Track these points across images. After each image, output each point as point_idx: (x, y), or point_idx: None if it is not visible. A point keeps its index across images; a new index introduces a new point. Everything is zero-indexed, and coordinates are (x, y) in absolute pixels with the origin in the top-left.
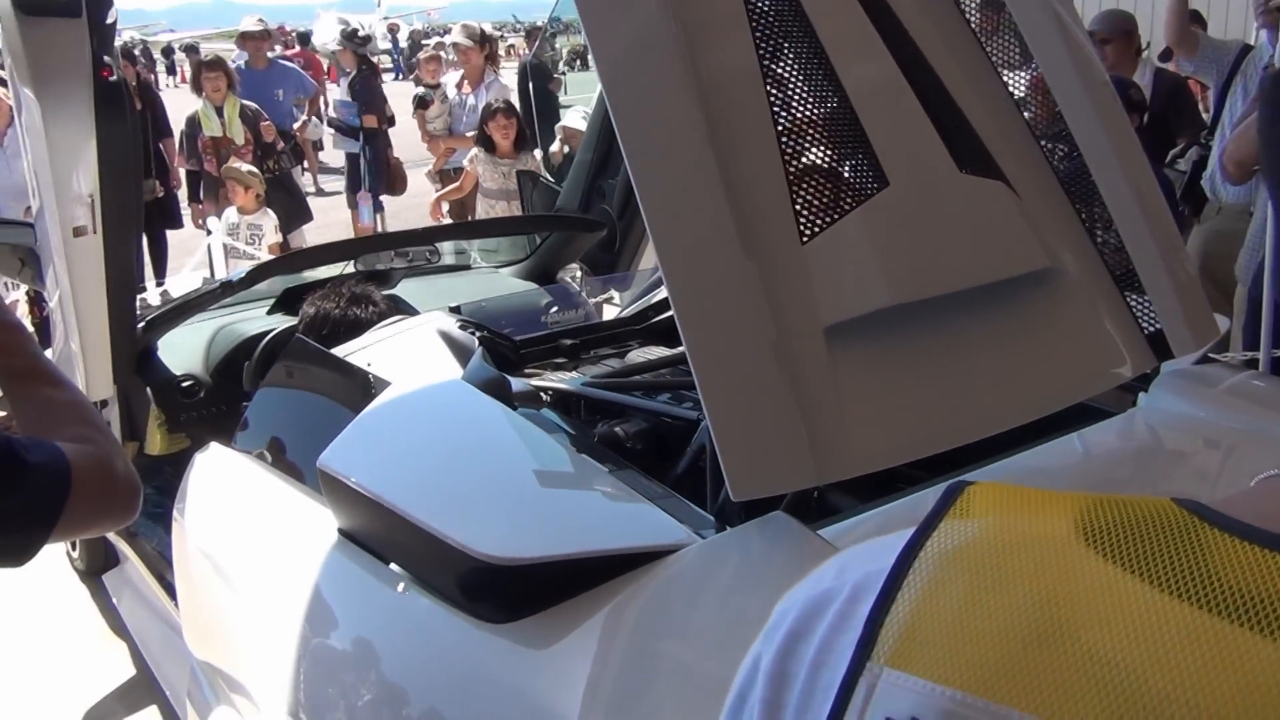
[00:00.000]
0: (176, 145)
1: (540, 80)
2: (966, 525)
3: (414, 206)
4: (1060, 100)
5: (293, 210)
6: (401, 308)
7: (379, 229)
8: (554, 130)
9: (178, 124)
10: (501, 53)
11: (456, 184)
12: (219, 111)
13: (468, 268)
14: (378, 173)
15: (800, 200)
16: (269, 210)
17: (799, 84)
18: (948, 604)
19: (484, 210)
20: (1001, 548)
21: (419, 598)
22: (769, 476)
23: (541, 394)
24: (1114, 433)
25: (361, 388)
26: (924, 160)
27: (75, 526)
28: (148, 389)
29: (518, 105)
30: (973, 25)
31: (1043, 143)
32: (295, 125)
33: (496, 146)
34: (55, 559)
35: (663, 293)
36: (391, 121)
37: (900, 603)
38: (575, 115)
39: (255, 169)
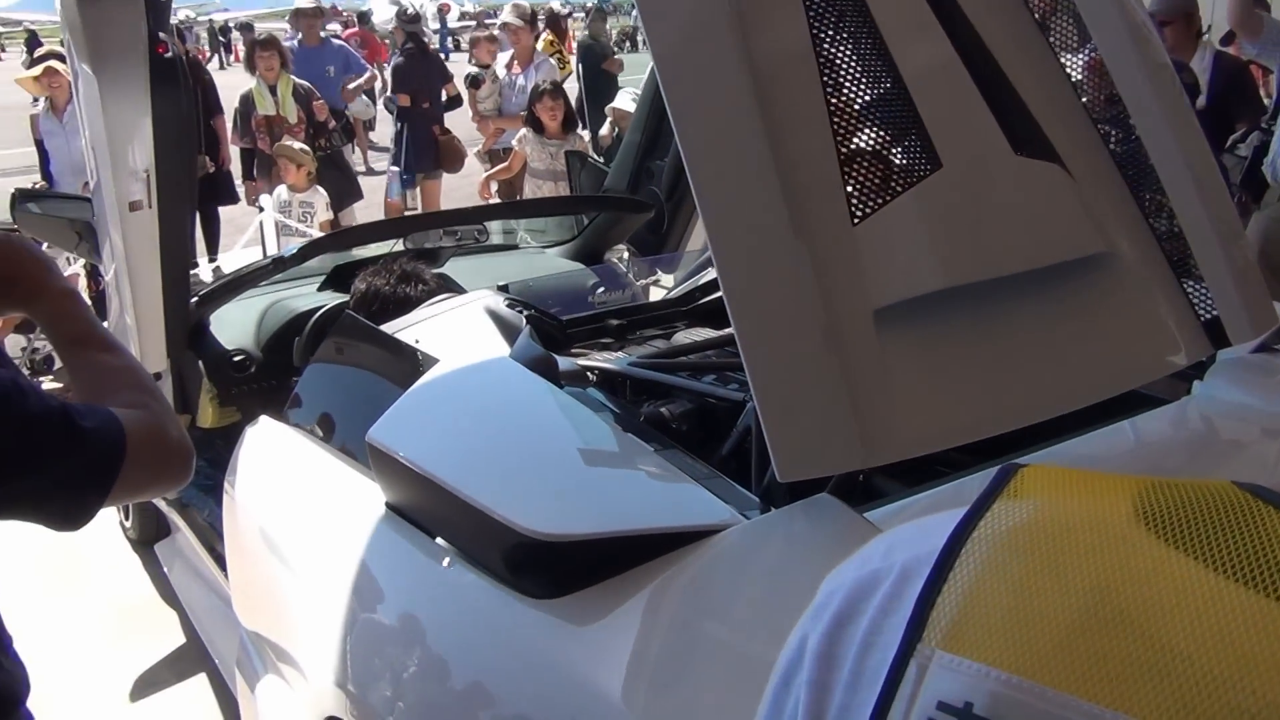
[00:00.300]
0: (230, 124)
1: (592, 60)
2: (1020, 507)
3: (463, 186)
4: (1119, 83)
5: (344, 188)
6: (450, 286)
7: (408, 206)
8: (604, 112)
9: (230, 103)
10: (572, 33)
11: (505, 164)
12: (272, 90)
13: (515, 247)
14: (417, 150)
15: (852, 181)
16: (320, 188)
17: (853, 65)
18: (1002, 586)
19: (531, 190)
20: (1058, 530)
21: (465, 572)
22: (816, 458)
23: (588, 373)
24: (1167, 421)
25: (410, 364)
26: (978, 141)
27: (129, 491)
28: (200, 363)
29: (581, 85)
30: (1031, 6)
31: (1100, 126)
32: (351, 89)
33: (544, 127)
34: (109, 528)
35: (710, 274)
36: (455, 102)
37: (952, 584)
38: (625, 97)
39: (307, 147)
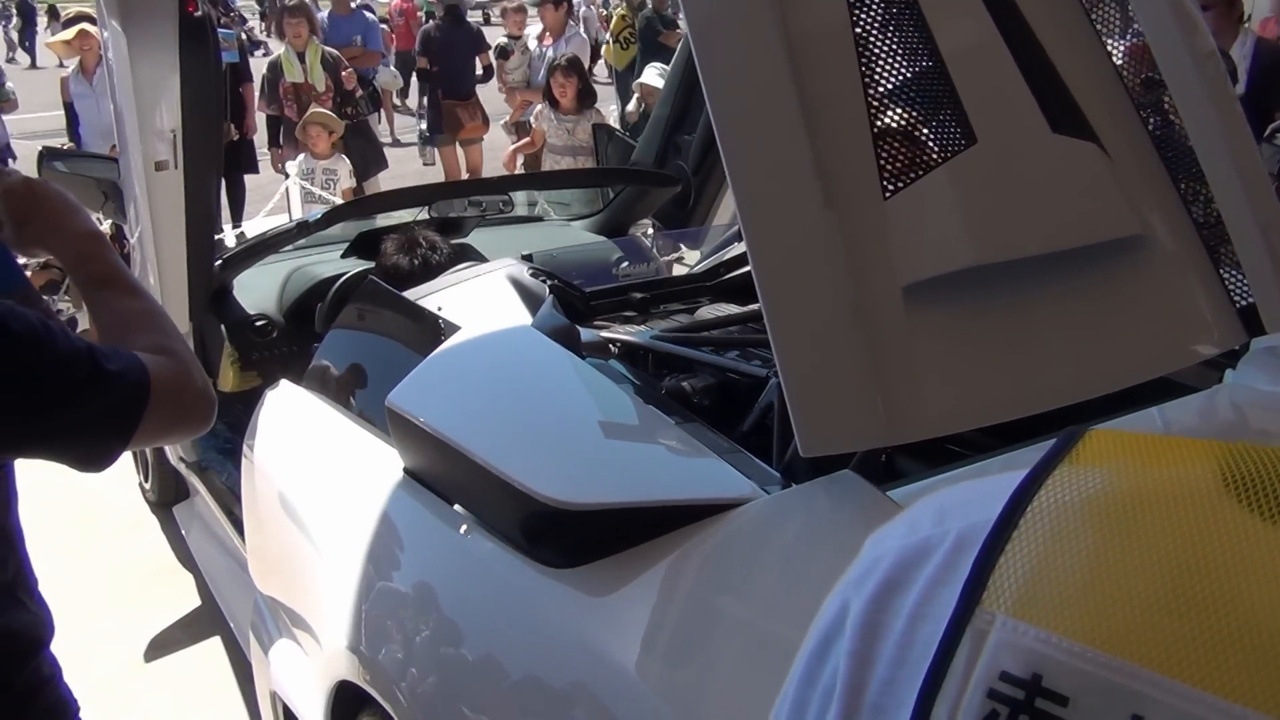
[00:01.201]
0: (256, 90)
1: (651, 35)
2: (1090, 473)
3: (488, 160)
4: (1162, 65)
5: (369, 157)
6: (471, 256)
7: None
8: (631, 88)
9: (258, 70)
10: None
11: (528, 139)
12: (300, 57)
13: (540, 220)
14: (434, 116)
15: (884, 155)
16: (344, 156)
17: (890, 38)
18: (1075, 556)
19: (550, 166)
20: (1136, 499)
21: (482, 540)
22: (840, 434)
23: (610, 345)
24: (1197, 409)
25: (431, 331)
26: (1015, 118)
27: (151, 435)
28: (222, 326)
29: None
30: None
31: (1141, 110)
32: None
33: (559, 103)
34: (128, 490)
35: (735, 250)
36: (488, 73)
37: (1016, 550)
38: (652, 73)
39: (336, 115)
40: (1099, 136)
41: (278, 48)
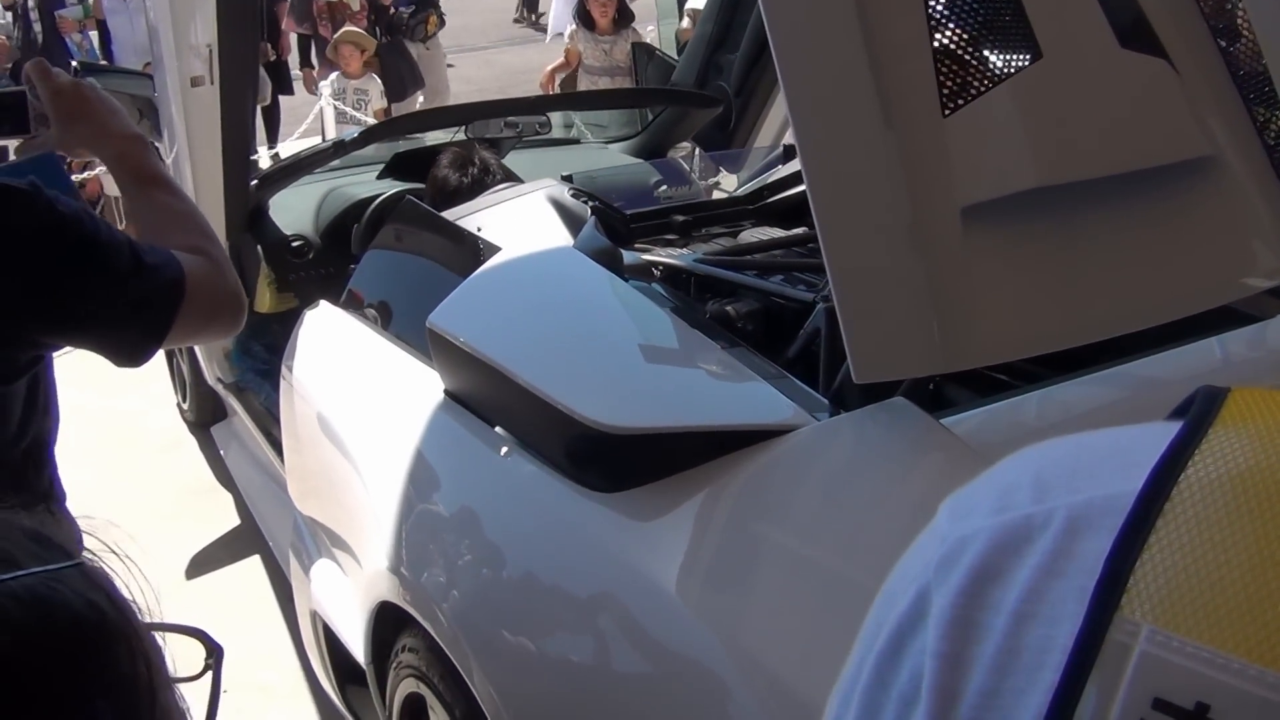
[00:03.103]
0: (288, 7)
1: None
2: (1242, 444)
3: (521, 81)
4: None
5: (406, 76)
6: (511, 177)
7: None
8: (684, 11)
9: None
10: None
11: (563, 60)
12: None
13: (577, 142)
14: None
15: (945, 70)
16: (375, 75)
17: None
18: (1238, 551)
19: (586, 86)
20: None
21: (523, 462)
22: (895, 360)
23: (652, 268)
24: (1260, 339)
25: (471, 252)
26: (1083, 32)
27: (185, 333)
28: (259, 247)
29: None
30: None
31: (1213, 26)
32: None
33: (595, 23)
34: (166, 410)
35: (779, 172)
36: None
37: (1164, 543)
38: None
39: (368, 34)
40: (1168, 53)
41: None
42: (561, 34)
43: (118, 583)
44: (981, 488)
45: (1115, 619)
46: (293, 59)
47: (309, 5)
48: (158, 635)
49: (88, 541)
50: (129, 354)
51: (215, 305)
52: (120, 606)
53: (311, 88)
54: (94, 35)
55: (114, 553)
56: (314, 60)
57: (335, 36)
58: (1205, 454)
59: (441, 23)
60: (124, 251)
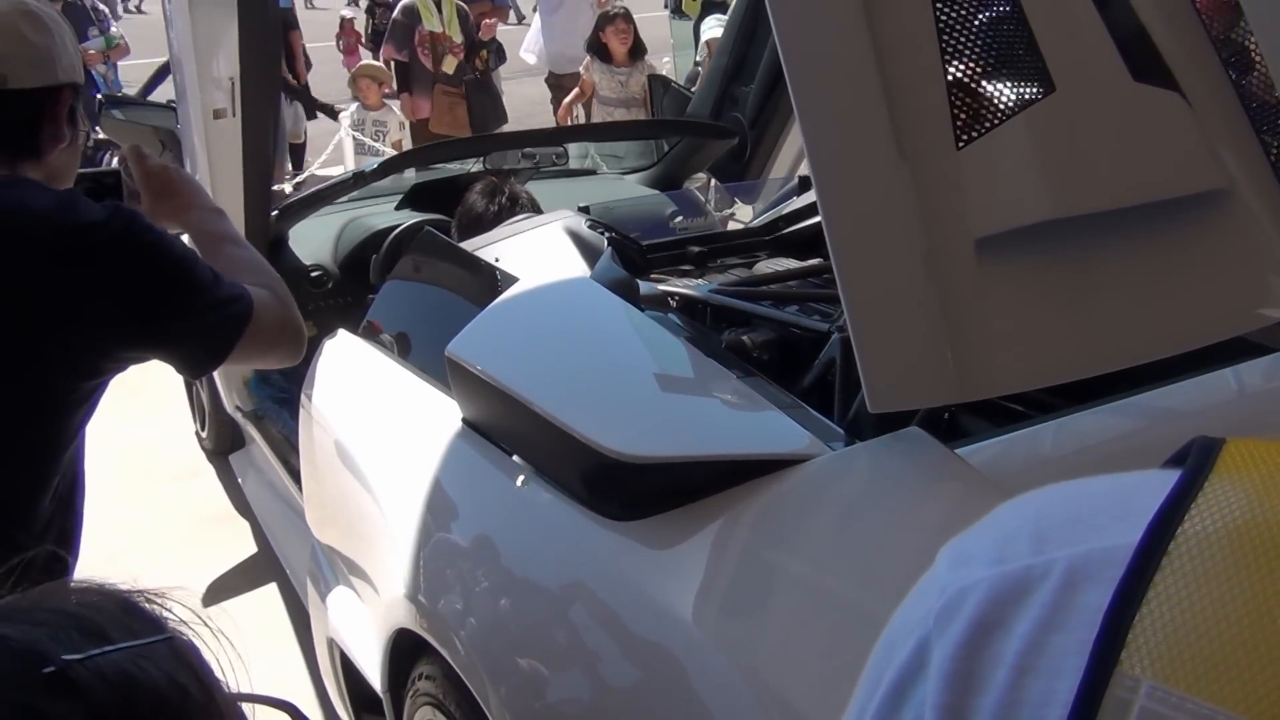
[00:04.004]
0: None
1: None
2: (1237, 496)
3: (537, 113)
4: (1249, 14)
5: (489, 112)
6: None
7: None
8: (699, 45)
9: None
10: None
11: (578, 90)
12: (438, 6)
13: (593, 173)
14: None
15: (959, 103)
16: (394, 106)
17: None
18: (1236, 606)
19: (601, 118)
20: None
21: (541, 491)
22: (910, 389)
23: (668, 299)
24: (1275, 371)
25: (489, 282)
26: (1095, 65)
27: (247, 355)
28: None
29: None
30: None
31: (1225, 60)
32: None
33: (612, 55)
34: (185, 438)
35: (795, 204)
36: None
37: (1163, 597)
38: (716, 26)
39: (383, 65)
40: (1181, 85)
41: None
42: (533, 53)
43: (206, 655)
44: (981, 536)
45: (1115, 674)
46: (327, 85)
47: (410, 34)
48: (245, 707)
49: (178, 610)
50: (196, 368)
51: (277, 333)
52: (206, 683)
53: (407, 114)
54: (120, 65)
55: (205, 623)
56: (411, 88)
57: (354, 69)
58: (1202, 507)
59: (499, 58)
60: (207, 275)
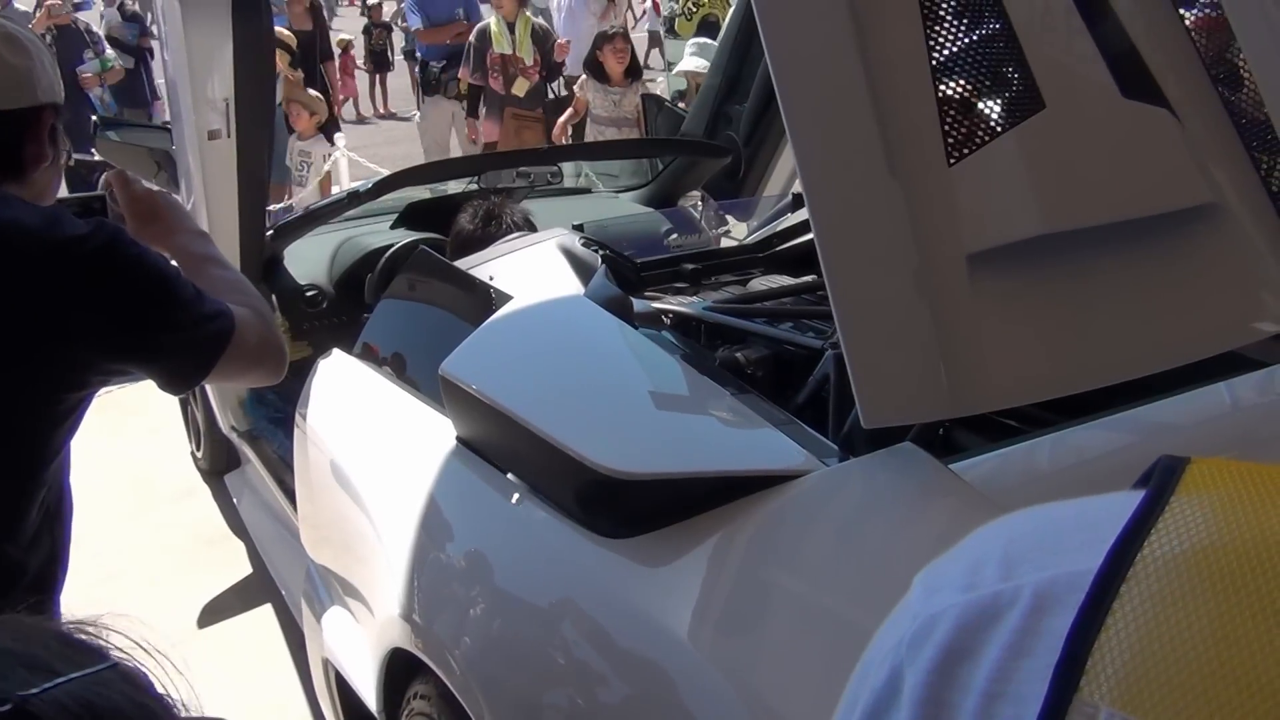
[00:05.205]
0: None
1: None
2: (1199, 518)
3: None
4: (1238, 30)
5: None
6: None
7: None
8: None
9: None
10: None
11: (572, 110)
12: (510, 28)
13: (588, 191)
14: None
15: (950, 120)
16: (324, 137)
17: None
18: (1195, 631)
19: (594, 137)
20: (1261, 553)
21: (535, 509)
22: (903, 405)
23: (662, 316)
24: (1268, 385)
25: (483, 301)
26: (1085, 82)
27: (229, 371)
28: (274, 296)
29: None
30: None
31: (1214, 76)
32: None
33: (608, 75)
34: (180, 458)
35: (788, 221)
36: None
37: (1121, 623)
38: (691, 58)
39: (322, 96)
40: (1170, 102)
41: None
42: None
43: (154, 681)
44: (952, 562)
45: (1075, 701)
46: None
47: (482, 58)
48: None
49: (116, 639)
50: (176, 384)
51: (258, 351)
52: (163, 704)
53: (474, 137)
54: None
55: (144, 649)
56: (482, 112)
57: (286, 94)
58: (1163, 529)
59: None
60: (191, 291)
